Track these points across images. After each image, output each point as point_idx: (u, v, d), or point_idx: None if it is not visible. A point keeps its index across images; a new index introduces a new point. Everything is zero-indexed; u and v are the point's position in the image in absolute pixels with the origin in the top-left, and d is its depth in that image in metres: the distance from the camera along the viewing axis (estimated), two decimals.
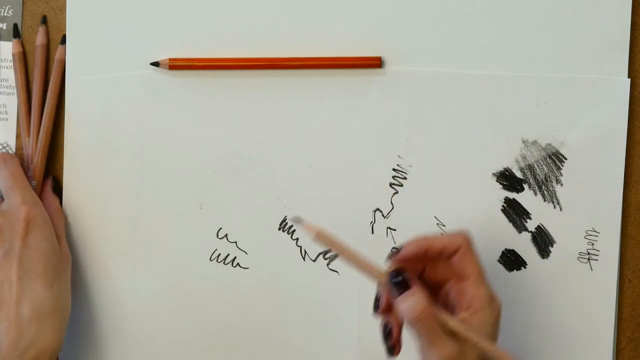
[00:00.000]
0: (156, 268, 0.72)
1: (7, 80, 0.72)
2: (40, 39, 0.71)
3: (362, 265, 0.60)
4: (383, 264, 0.60)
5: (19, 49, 0.71)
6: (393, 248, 0.65)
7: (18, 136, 0.72)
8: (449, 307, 0.61)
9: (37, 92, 0.71)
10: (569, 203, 0.70)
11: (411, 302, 0.58)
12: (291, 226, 0.71)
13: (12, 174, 0.68)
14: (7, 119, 0.72)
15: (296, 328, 0.70)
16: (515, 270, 0.70)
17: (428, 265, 0.62)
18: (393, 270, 0.60)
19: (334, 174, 0.71)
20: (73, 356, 0.72)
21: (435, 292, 0.62)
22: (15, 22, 0.72)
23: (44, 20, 0.72)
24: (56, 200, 0.71)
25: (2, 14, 0.72)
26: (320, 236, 0.60)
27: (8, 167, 0.68)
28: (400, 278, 0.59)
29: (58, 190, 0.71)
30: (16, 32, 0.72)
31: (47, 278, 0.65)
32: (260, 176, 0.71)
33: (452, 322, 0.58)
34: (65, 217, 0.71)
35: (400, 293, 0.58)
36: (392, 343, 0.61)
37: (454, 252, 0.60)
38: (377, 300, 0.62)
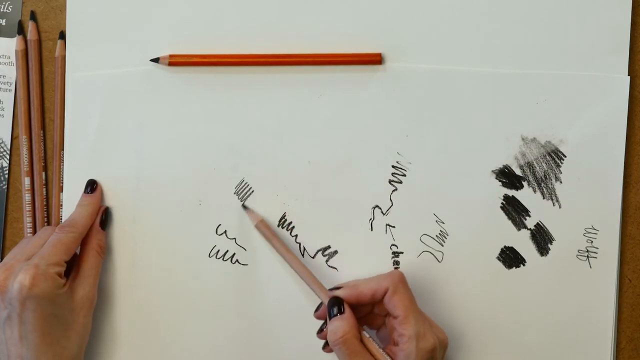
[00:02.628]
0: (155, 264, 0.71)
1: (4, 76, 0.72)
2: (30, 35, 0.71)
3: (291, 261, 0.68)
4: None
5: (22, 46, 0.71)
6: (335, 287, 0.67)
7: (15, 137, 0.72)
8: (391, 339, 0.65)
9: (36, 88, 0.71)
10: (568, 200, 0.70)
11: (333, 327, 0.63)
12: (290, 222, 0.71)
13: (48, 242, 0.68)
14: (3, 115, 0.72)
15: (295, 324, 0.70)
16: (514, 268, 0.70)
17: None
18: (331, 298, 0.65)
19: (333, 170, 0.70)
20: None
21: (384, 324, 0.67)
22: (14, 19, 0.72)
23: (33, 17, 0.72)
24: (99, 237, 0.70)
25: (1, 10, 0.72)
26: (260, 225, 0.69)
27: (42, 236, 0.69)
28: (334, 304, 0.64)
29: (109, 216, 0.71)
30: (20, 29, 0.72)
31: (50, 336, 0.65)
32: (259, 173, 0.71)
33: (371, 346, 0.63)
34: (104, 254, 0.71)
35: (332, 317, 0.64)
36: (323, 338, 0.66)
37: (384, 295, 0.64)
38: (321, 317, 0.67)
